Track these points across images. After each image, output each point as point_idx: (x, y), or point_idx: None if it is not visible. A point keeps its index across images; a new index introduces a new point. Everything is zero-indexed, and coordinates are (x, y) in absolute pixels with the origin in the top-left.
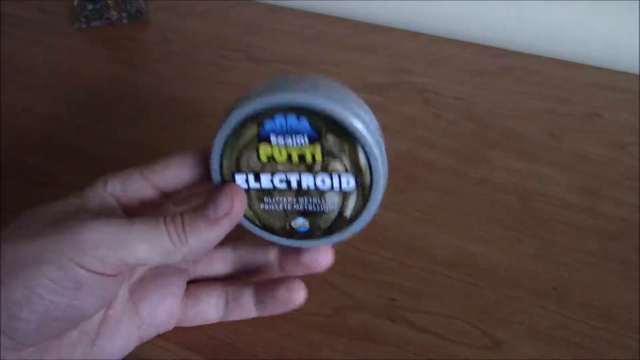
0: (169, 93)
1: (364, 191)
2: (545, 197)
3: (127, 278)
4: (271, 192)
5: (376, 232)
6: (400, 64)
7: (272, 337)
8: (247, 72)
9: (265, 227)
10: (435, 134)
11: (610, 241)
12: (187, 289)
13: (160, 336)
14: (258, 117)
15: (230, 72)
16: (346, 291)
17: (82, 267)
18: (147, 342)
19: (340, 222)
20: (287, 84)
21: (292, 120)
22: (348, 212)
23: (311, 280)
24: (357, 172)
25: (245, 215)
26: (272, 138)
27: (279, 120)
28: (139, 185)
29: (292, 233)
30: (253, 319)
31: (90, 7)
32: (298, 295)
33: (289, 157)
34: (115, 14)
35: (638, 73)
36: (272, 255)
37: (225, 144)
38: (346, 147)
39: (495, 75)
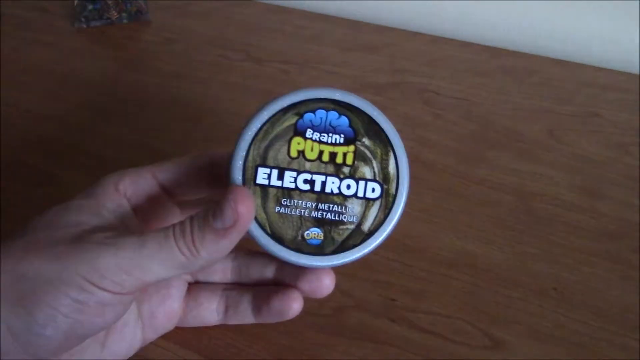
0: (169, 93)
1: (387, 202)
2: (545, 197)
3: None
4: (291, 193)
5: None
6: (400, 64)
7: (272, 337)
8: (247, 72)
9: (275, 236)
10: (435, 134)
11: (610, 241)
12: (188, 291)
13: (160, 336)
14: (300, 107)
15: (230, 72)
16: (346, 291)
17: (103, 289)
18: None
19: (356, 235)
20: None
21: (333, 116)
22: (367, 224)
23: None
24: (384, 180)
25: (256, 218)
26: (309, 132)
27: (320, 114)
28: (149, 186)
29: (301, 246)
30: None
31: (90, 7)
32: (292, 306)
33: (320, 154)
34: (115, 14)
35: (638, 73)
36: (269, 271)
37: (260, 129)
38: (379, 152)
39: (495, 75)
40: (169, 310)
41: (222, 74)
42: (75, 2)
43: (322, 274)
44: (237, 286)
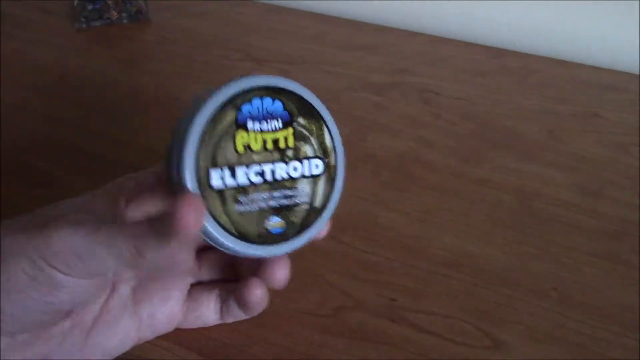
0: (169, 93)
1: (330, 174)
2: (545, 197)
3: (125, 279)
4: (247, 189)
5: (376, 232)
6: (400, 64)
7: (272, 337)
8: (247, 72)
9: (241, 235)
10: (435, 134)
11: (610, 241)
12: (189, 292)
13: (160, 336)
14: (236, 100)
15: (230, 72)
16: (346, 291)
17: (53, 267)
18: (148, 342)
19: (312, 214)
20: (244, 76)
21: (268, 102)
22: (318, 200)
23: (311, 280)
24: (324, 153)
25: (219, 223)
26: (249, 123)
27: (256, 103)
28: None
29: (267, 238)
30: (253, 319)
31: (90, 7)
32: (253, 293)
33: (264, 144)
34: (115, 14)
35: (638, 73)
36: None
37: (203, 133)
38: (314, 128)
39: (495, 75)
40: (169, 312)
41: (222, 74)
42: (75, 2)
43: (274, 263)
44: (230, 283)
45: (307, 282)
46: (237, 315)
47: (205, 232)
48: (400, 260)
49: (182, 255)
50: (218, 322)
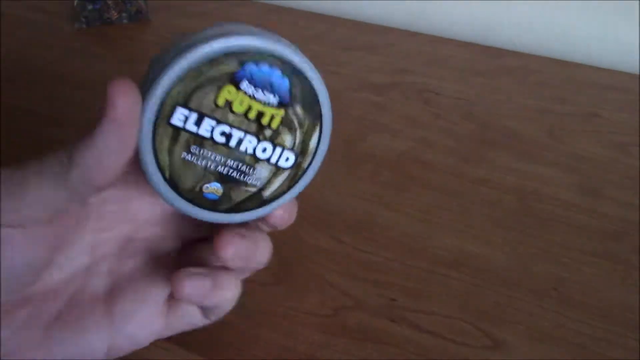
0: None
1: (295, 174)
2: (545, 197)
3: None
4: (204, 142)
5: (376, 232)
6: (400, 64)
7: (272, 337)
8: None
9: (172, 183)
10: (435, 134)
11: (610, 241)
12: (170, 294)
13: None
14: (245, 55)
15: None
16: (346, 291)
17: None
18: None
19: (253, 200)
20: (272, 33)
21: (276, 75)
22: (269, 191)
23: (311, 280)
24: (301, 152)
25: (157, 161)
26: (244, 84)
27: (263, 69)
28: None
29: (195, 197)
30: (253, 318)
31: (90, 7)
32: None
33: (247, 111)
34: (115, 14)
35: (638, 73)
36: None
37: (192, 69)
38: (306, 124)
39: (495, 75)
40: (147, 315)
41: None
42: (75, 2)
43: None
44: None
45: (307, 282)
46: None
47: (143, 165)
48: (400, 260)
49: (111, 157)
50: (205, 319)
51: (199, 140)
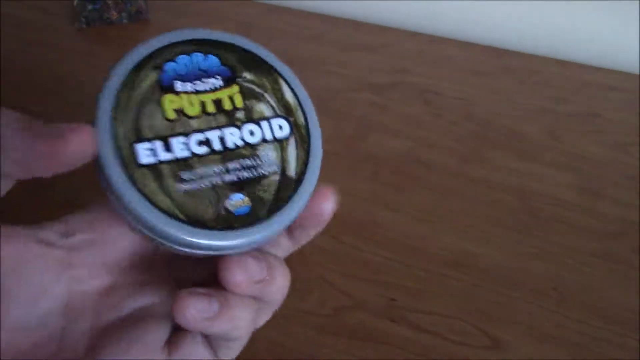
0: None
1: (300, 134)
2: (545, 197)
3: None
4: (189, 162)
5: (376, 232)
6: (400, 64)
7: (272, 337)
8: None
9: (192, 220)
10: (435, 134)
11: (610, 241)
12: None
13: None
14: (156, 59)
15: None
16: (346, 291)
17: None
18: None
19: (286, 185)
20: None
21: (199, 58)
22: (291, 167)
23: (311, 280)
24: (287, 111)
25: (158, 206)
26: (178, 85)
27: (183, 60)
28: None
29: (229, 221)
30: None
31: (90, 7)
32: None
33: (203, 106)
34: (115, 14)
35: (638, 73)
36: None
37: (117, 101)
38: (267, 83)
39: (496, 75)
40: None
41: None
42: (75, 2)
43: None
44: None
45: (307, 282)
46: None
47: (143, 221)
48: (400, 260)
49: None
50: (214, 357)
51: (183, 163)
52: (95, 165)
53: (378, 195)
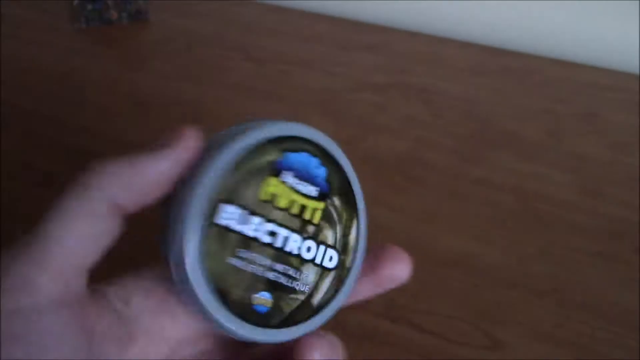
0: (169, 93)
1: (340, 275)
2: (545, 197)
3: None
4: (251, 243)
5: (376, 232)
6: (400, 64)
7: None
8: (247, 72)
9: (220, 295)
10: (435, 134)
11: (610, 241)
12: None
13: None
14: (286, 143)
15: (230, 72)
16: None
17: None
18: None
19: (304, 309)
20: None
21: (314, 164)
22: (317, 297)
23: None
24: (343, 249)
25: (204, 266)
26: (287, 176)
27: (303, 158)
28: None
29: (246, 312)
30: None
31: (90, 7)
32: None
33: (291, 204)
34: (115, 14)
35: (638, 73)
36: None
37: (236, 160)
38: (345, 216)
39: (495, 75)
40: None
41: (222, 74)
42: (75, 2)
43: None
44: None
45: None
46: None
47: (184, 269)
48: None
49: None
50: None
51: (247, 241)
52: (174, 204)
53: (378, 195)
